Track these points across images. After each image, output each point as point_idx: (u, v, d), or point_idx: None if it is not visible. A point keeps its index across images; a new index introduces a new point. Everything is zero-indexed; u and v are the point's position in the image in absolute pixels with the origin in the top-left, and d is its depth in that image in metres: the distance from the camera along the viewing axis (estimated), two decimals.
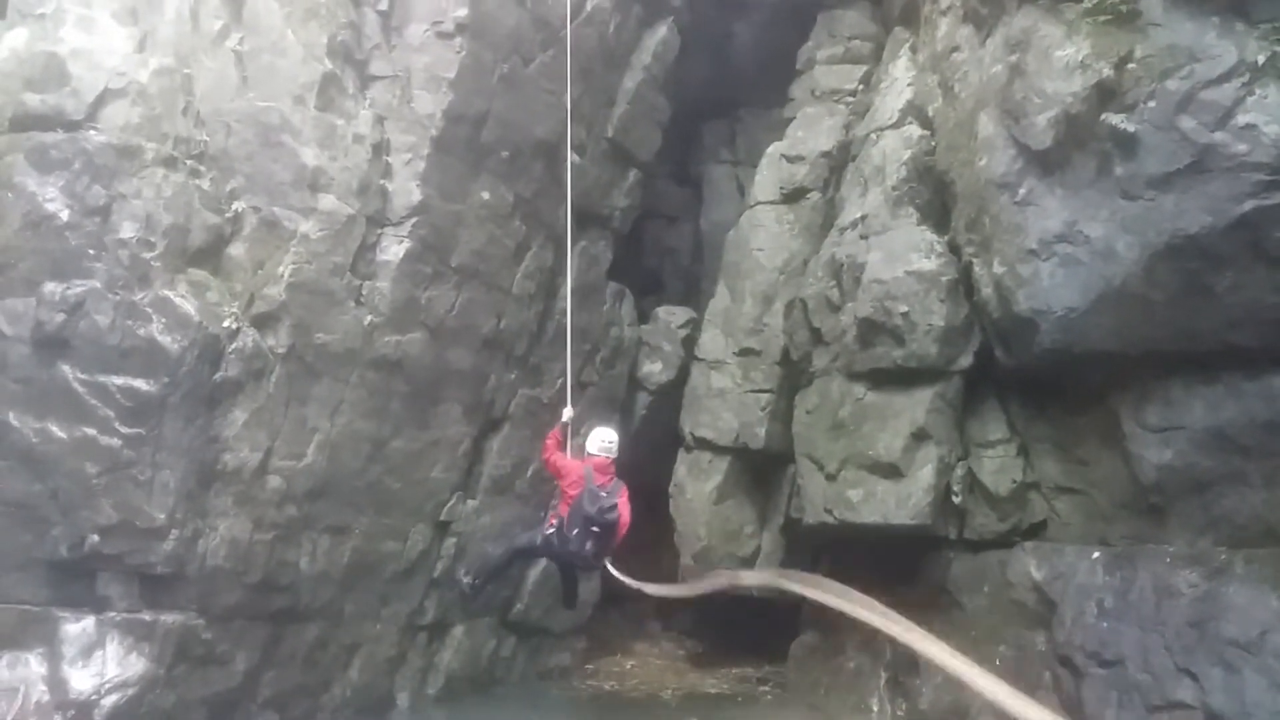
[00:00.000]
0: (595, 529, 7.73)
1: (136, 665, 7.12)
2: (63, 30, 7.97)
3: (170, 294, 7.63)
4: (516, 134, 10.14)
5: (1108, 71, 7.75)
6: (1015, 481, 9.15)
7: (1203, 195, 7.28)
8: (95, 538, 7.16)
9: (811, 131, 12.23)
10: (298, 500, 8.28)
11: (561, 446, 8.71)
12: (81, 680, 6.91)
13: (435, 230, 9.39)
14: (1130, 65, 7.66)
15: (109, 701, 6.93)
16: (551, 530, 7.84)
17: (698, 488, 11.59)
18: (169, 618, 7.39)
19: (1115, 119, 7.67)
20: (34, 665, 6.92)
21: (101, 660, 7.01)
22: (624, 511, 7.90)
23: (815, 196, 11.94)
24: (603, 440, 8.19)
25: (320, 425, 8.49)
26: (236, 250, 8.31)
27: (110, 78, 7.95)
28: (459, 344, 9.79)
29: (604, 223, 12.15)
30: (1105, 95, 7.77)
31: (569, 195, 9.66)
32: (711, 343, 12.03)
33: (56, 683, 6.86)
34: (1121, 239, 7.76)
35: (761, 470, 11.59)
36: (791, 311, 11.18)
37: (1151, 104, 7.49)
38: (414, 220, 9.17)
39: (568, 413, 8.70)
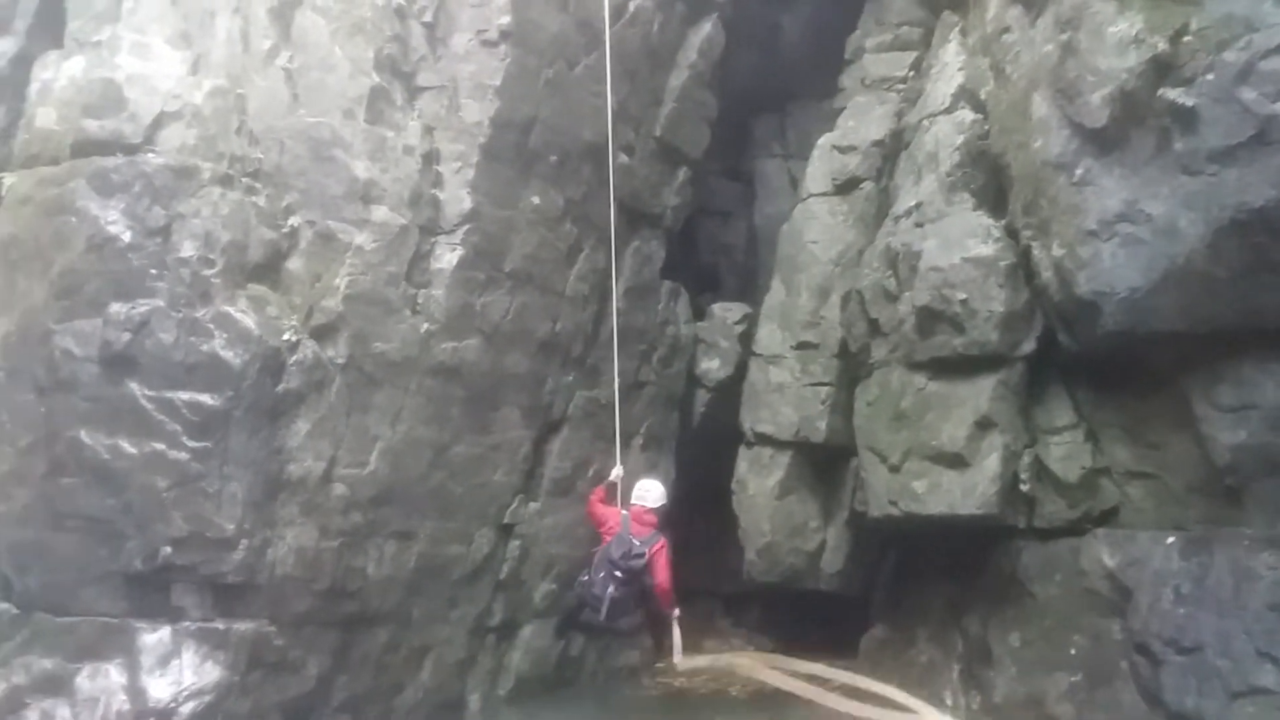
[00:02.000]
0: (619, 574, 7.93)
1: (212, 673, 7.25)
2: (118, 57, 8.17)
3: (231, 309, 7.77)
4: (564, 138, 10.18)
5: (1163, 46, 7.58)
6: (1084, 468, 8.96)
7: (1267, 168, 7.07)
8: (168, 550, 7.32)
9: (862, 121, 12.10)
10: (363, 507, 8.39)
11: (609, 503, 8.89)
12: (160, 689, 7.05)
13: (487, 237, 9.46)
14: (1186, 38, 7.48)
15: (186, 709, 7.06)
16: (585, 578, 8.09)
17: (760, 483, 11.53)
18: (242, 626, 7.52)
19: (1173, 94, 7.48)
20: (114, 675, 7.07)
21: (178, 669, 7.15)
22: (660, 567, 8.03)
23: (868, 186, 11.81)
24: (640, 489, 8.47)
25: (382, 433, 8.59)
26: (294, 264, 8.44)
27: (166, 101, 8.12)
28: (515, 348, 9.85)
29: (656, 222, 12.14)
30: (1161, 70, 7.59)
31: (612, 199, 9.67)
32: (769, 337, 11.96)
33: (136, 692, 7.00)
34: (1184, 216, 7.57)
35: (823, 464, 11.49)
36: (848, 303, 11.08)
37: (1209, 77, 7.29)
38: (466, 228, 9.24)
39: (617, 472, 8.89)
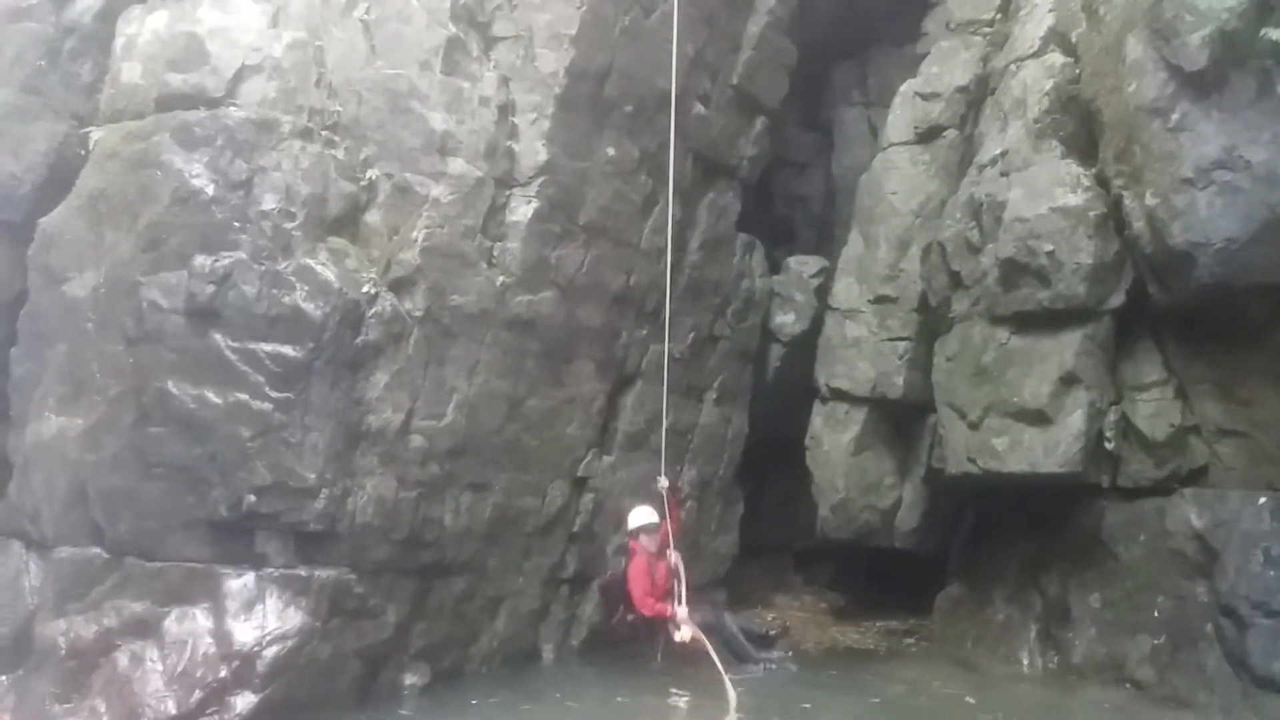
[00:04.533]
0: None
1: (294, 618, 7.39)
2: (200, 10, 8.24)
3: (312, 262, 7.82)
4: (639, 87, 10.05)
5: None
6: (1173, 425, 8.73)
7: None
8: (252, 498, 7.44)
9: (946, 66, 11.75)
10: (439, 458, 8.47)
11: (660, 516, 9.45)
12: (244, 633, 7.19)
13: (562, 189, 9.41)
14: None
15: (270, 653, 7.20)
16: None
17: (835, 439, 11.42)
18: (323, 573, 7.64)
19: (1276, 34, 7.18)
20: (200, 619, 7.23)
21: (262, 614, 7.30)
22: (629, 581, 9.29)
23: (952, 134, 11.49)
24: None
25: (458, 385, 8.65)
26: (372, 217, 8.47)
27: (247, 54, 8.17)
28: (589, 301, 9.84)
29: (732, 173, 11.95)
30: (1264, 9, 7.29)
31: (672, 148, 9.57)
32: (845, 291, 11.78)
33: (221, 635, 7.16)
34: None
35: (900, 420, 11.33)
36: (929, 255, 10.85)
37: None
38: (541, 180, 9.20)
39: (663, 481, 9.44)
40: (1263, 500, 7.93)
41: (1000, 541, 10.50)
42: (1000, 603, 10.18)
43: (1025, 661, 9.61)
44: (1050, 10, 10.18)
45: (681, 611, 9.06)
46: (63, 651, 7.30)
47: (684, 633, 8.99)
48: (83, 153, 8.50)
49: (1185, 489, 8.59)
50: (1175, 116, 7.98)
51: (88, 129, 8.56)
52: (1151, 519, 8.73)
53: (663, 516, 9.52)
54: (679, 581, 9.30)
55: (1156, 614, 8.51)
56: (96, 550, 7.74)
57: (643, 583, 9.19)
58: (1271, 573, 7.58)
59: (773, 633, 10.81)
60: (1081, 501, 9.28)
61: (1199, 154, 7.80)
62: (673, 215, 10.37)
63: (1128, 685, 8.51)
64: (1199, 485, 8.61)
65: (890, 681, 9.28)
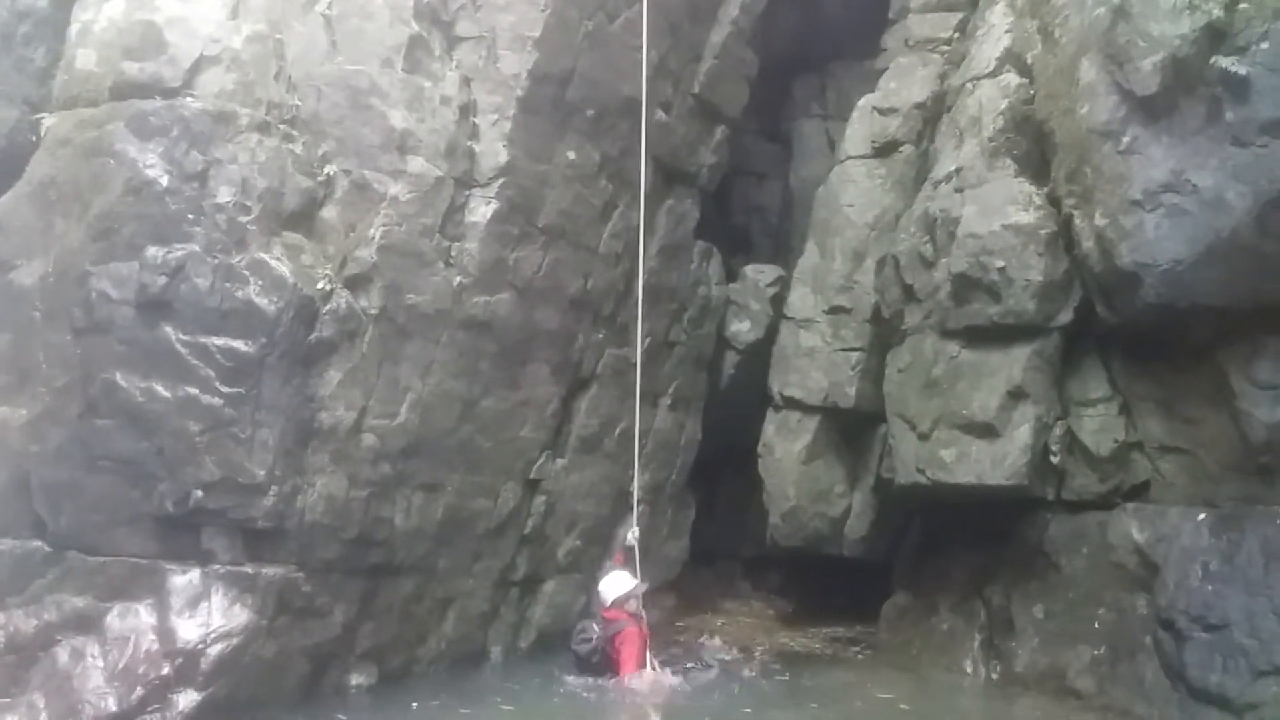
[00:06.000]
0: (576, 656, 9.15)
1: (240, 616, 7.29)
2: None
3: (266, 257, 7.74)
4: (602, 92, 10.08)
5: (1218, 12, 7.42)
6: (1117, 441, 8.89)
7: None
8: (199, 493, 7.33)
9: (904, 82, 11.92)
10: (391, 458, 8.41)
11: (627, 566, 9.37)
12: (188, 630, 7.08)
13: (522, 191, 9.40)
14: (1242, 5, 7.36)
15: (214, 651, 7.10)
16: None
17: (786, 447, 11.51)
18: (270, 571, 7.55)
19: (1226, 62, 7.35)
20: (144, 615, 7.11)
21: (207, 611, 7.19)
22: (619, 649, 8.94)
23: (908, 149, 11.66)
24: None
25: (412, 385, 8.60)
26: (329, 213, 8.39)
27: (205, 45, 8.05)
28: (547, 304, 9.83)
29: (691, 180, 12.03)
30: (1215, 37, 7.44)
31: (644, 156, 9.59)
32: (800, 301, 11.89)
33: (165, 632, 7.04)
34: (1232, 188, 7.44)
35: (852, 430, 11.46)
36: (883, 268, 10.98)
37: (1264, 45, 7.19)
38: (501, 181, 9.18)
39: (633, 535, 9.48)
40: (1202, 516, 8.09)
41: (947, 552, 10.64)
42: (945, 612, 10.30)
43: (969, 670, 9.71)
44: (1007, 31, 10.35)
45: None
46: (1, 646, 7.15)
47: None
48: (34, 139, 8.33)
49: (1127, 504, 8.75)
50: (1126, 139, 8.14)
51: (40, 115, 8.41)
52: (1094, 533, 8.88)
53: (631, 570, 9.54)
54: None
55: (1097, 626, 8.64)
56: (38, 543, 7.55)
57: (634, 663, 8.94)
58: (1210, 587, 7.72)
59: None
60: (1026, 514, 9.43)
61: (1148, 177, 7.96)
62: (635, 221, 10.41)
63: (1068, 695, 8.64)
64: (1141, 500, 8.77)
65: (831, 687, 9.37)
